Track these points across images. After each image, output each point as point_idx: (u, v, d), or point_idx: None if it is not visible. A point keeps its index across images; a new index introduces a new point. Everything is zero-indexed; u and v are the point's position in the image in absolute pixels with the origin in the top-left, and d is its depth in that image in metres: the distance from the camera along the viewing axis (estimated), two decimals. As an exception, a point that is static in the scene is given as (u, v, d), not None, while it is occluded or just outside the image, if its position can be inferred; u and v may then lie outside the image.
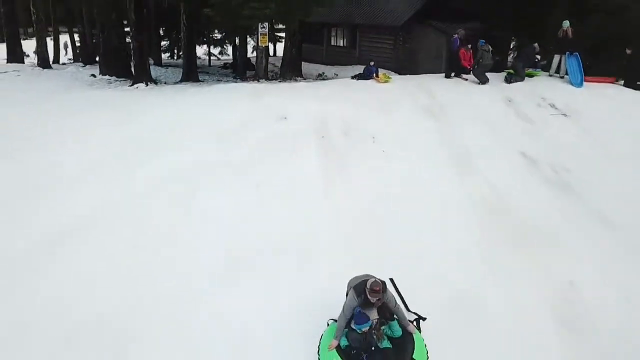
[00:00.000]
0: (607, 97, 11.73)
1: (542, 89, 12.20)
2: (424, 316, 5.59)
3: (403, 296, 5.82)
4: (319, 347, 5.24)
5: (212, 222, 7.45)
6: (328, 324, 5.45)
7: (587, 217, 7.60)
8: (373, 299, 5.04)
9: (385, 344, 5.15)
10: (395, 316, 5.27)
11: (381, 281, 5.10)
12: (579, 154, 9.42)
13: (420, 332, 5.34)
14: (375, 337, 5.09)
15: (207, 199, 8.01)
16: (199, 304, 5.96)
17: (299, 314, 5.71)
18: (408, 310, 5.65)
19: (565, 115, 10.84)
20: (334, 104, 11.48)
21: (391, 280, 5.95)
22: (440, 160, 9.15)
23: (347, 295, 5.30)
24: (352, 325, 5.17)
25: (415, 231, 7.20)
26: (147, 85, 15.70)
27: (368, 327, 5.07)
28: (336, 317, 5.28)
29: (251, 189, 8.23)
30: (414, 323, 5.42)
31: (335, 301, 5.47)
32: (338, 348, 5.09)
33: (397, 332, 5.25)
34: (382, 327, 5.18)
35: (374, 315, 5.15)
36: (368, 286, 5.04)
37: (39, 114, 12.25)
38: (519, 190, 8.17)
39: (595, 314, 5.92)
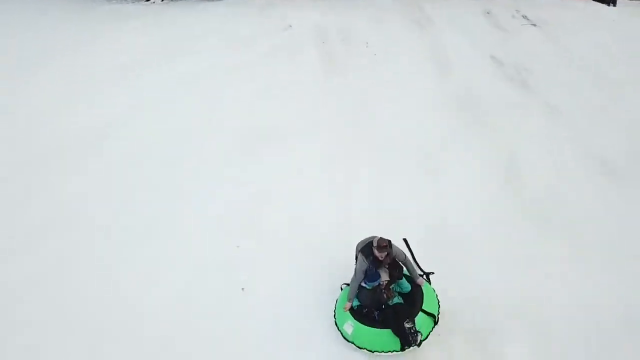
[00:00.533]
0: (576, 9, 13.12)
1: (519, 2, 13.55)
2: (432, 271, 5.79)
3: (415, 255, 6.06)
4: (334, 311, 5.41)
5: (232, 111, 9.29)
6: (341, 289, 5.61)
7: (537, 106, 9.33)
8: (381, 255, 5.06)
9: (396, 300, 5.26)
10: (405, 269, 5.38)
11: (387, 239, 5.14)
12: (542, 58, 10.98)
13: (430, 284, 5.55)
14: (385, 296, 5.18)
15: (225, 95, 9.81)
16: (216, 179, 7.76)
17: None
18: (419, 267, 5.90)
19: (534, 25, 12.32)
20: (333, 15, 12.93)
21: (405, 240, 6.15)
22: (423, 63, 10.77)
23: (356, 259, 5.37)
24: (362, 284, 5.24)
25: (398, 116, 9.02)
26: (162, 0, 16.82)
27: (377, 284, 5.17)
28: (349, 282, 5.41)
29: (262, 84, 10.00)
30: (424, 277, 5.60)
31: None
32: (351, 309, 5.23)
33: (407, 287, 5.36)
34: (392, 286, 5.27)
35: (385, 277, 5.19)
36: (375, 244, 5.07)
37: (62, 26, 13.51)
38: (485, 87, 9.87)
39: (527, 172, 7.79)
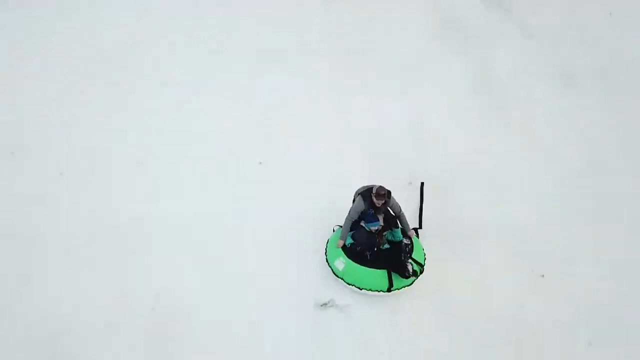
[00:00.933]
0: None
1: None
2: (419, 227, 6.29)
3: (424, 200, 6.78)
4: (326, 249, 5.66)
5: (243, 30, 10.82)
6: (334, 230, 5.85)
7: (511, 24, 10.76)
8: (379, 203, 5.29)
9: (386, 246, 5.58)
10: (398, 221, 5.62)
11: (387, 190, 5.40)
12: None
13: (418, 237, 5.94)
14: (377, 240, 5.46)
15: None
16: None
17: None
18: (421, 211, 6.57)
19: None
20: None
21: (422, 184, 6.90)
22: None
23: (353, 202, 5.57)
24: (362, 224, 5.47)
25: (384, 28, 10.68)
26: None
27: (376, 228, 5.41)
28: (341, 224, 5.66)
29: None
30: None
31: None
32: (344, 246, 5.42)
33: (398, 237, 5.56)
34: (385, 233, 5.54)
35: (381, 221, 5.47)
36: (374, 191, 5.28)
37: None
38: (464, 8, 11.24)
39: (496, 81, 9.45)
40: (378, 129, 8.30)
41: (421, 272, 5.43)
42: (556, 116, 8.77)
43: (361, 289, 5.27)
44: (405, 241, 5.40)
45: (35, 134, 7.90)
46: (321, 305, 5.52)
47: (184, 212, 6.76)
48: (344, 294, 5.57)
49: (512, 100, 9.08)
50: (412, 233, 5.65)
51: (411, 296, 5.61)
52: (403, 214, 5.62)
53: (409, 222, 5.69)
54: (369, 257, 5.35)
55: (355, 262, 5.28)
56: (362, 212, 5.43)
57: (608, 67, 9.73)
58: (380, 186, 5.35)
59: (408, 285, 5.33)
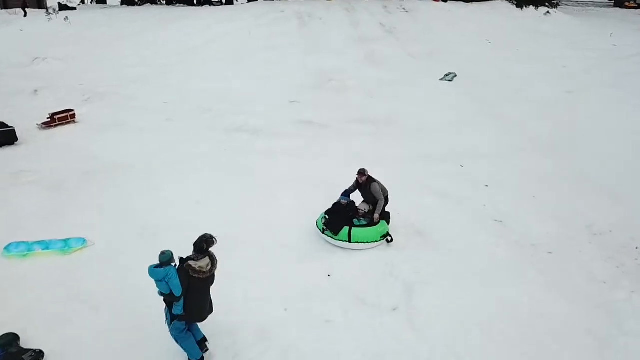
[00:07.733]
0: None
1: None
2: (390, 239, 7.22)
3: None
4: (317, 220, 7.53)
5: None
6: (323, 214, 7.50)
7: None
8: (360, 179, 7.01)
9: (359, 222, 7.11)
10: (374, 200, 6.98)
11: (368, 174, 7.01)
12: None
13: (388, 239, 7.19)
14: (348, 211, 7.09)
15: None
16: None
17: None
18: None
19: None
20: None
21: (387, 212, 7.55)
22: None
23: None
24: (341, 199, 7.28)
25: None
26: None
27: (345, 201, 7.16)
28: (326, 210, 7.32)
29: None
30: (386, 239, 7.19)
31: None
32: (325, 218, 7.28)
33: (363, 222, 7.09)
34: (362, 212, 7.17)
35: (349, 199, 7.29)
36: (359, 170, 7.08)
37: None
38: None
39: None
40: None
41: (387, 239, 7.10)
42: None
43: (322, 231, 7.19)
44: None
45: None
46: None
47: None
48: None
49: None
50: (377, 217, 6.94)
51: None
52: (381, 199, 6.85)
53: (382, 208, 6.95)
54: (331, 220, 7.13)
55: (327, 221, 7.15)
56: (350, 189, 7.29)
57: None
58: (362, 168, 7.08)
59: (378, 240, 7.07)
